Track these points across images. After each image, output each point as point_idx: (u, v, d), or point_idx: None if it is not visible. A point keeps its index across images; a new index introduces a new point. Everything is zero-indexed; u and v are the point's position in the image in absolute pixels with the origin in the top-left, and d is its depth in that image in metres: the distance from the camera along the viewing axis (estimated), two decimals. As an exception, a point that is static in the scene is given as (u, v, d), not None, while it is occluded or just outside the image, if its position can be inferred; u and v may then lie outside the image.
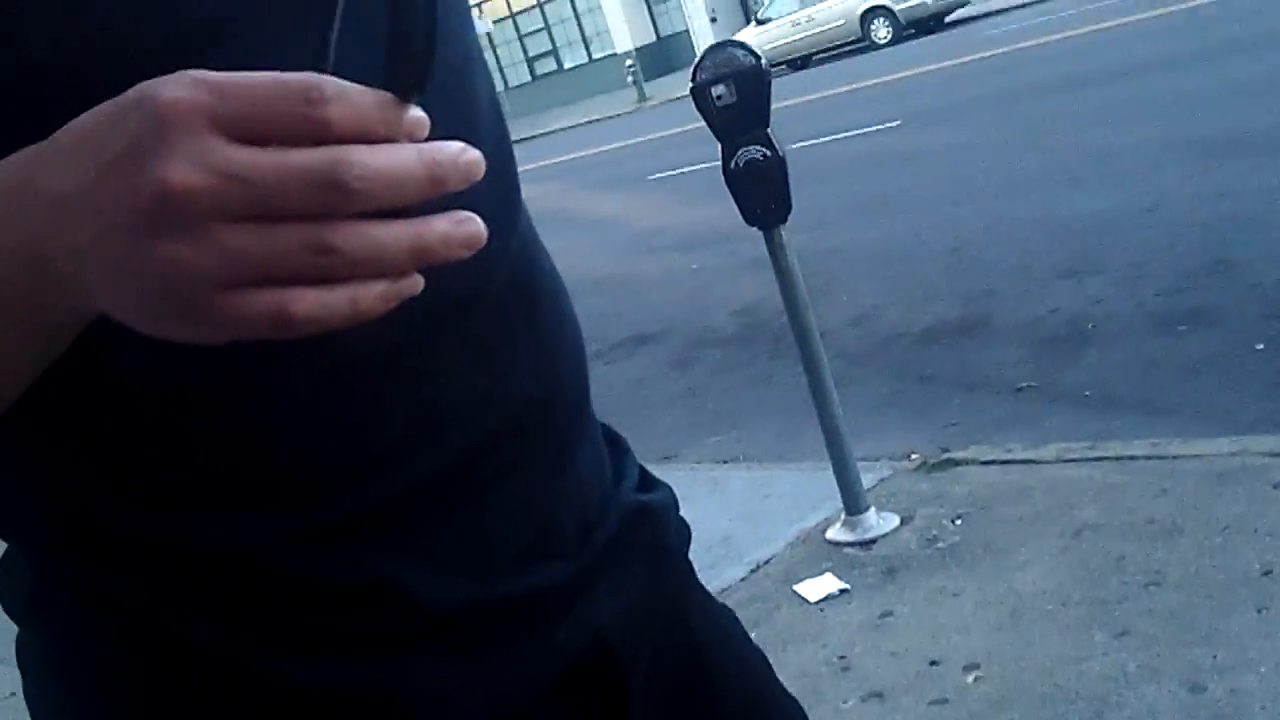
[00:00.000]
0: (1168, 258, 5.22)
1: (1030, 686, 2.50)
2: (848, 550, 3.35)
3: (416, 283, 0.48)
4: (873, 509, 3.44)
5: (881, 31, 20.55)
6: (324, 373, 0.65)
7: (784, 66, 20.82)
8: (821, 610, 3.08)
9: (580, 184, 14.19)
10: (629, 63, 25.30)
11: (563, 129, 23.79)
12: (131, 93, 0.47)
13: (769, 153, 3.25)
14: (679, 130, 14.67)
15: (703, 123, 3.26)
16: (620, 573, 0.79)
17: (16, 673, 0.74)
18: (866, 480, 3.55)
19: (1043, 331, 4.86)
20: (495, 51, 34.43)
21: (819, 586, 3.19)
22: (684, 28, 31.95)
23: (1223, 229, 5.35)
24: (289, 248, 0.45)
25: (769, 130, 3.25)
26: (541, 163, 16.88)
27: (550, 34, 34.46)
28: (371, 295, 0.47)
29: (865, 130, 10.74)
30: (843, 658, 2.83)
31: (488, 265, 0.70)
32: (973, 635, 2.75)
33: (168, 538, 0.66)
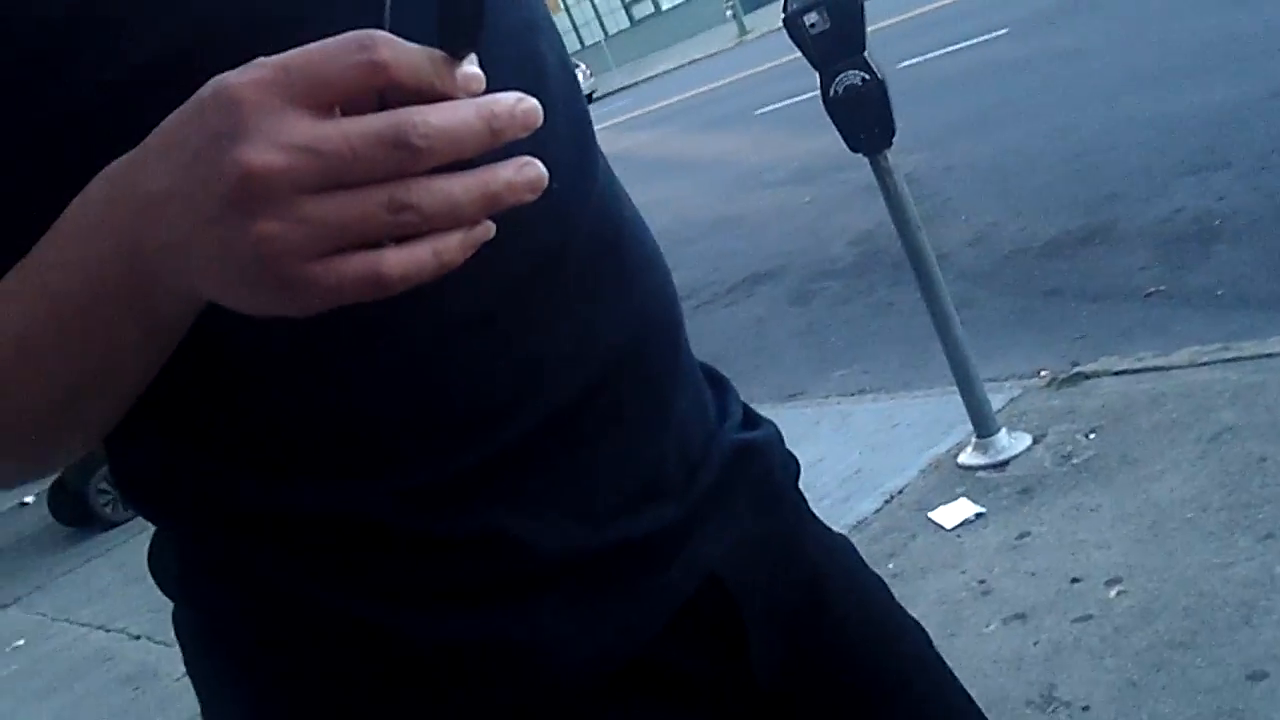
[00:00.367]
0: (1297, 144, 5.02)
1: (1174, 597, 2.46)
2: (981, 474, 3.32)
3: (489, 229, 0.51)
4: (1004, 430, 3.40)
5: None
6: (427, 336, 0.68)
7: (884, -15, 20.37)
8: (958, 536, 3.06)
9: (688, 126, 14.12)
10: (727, -2, 24.99)
11: (666, 71, 23.64)
12: (207, 87, 0.50)
13: (868, 76, 3.20)
14: (782, 61, 14.50)
15: (803, 52, 3.23)
16: (728, 510, 0.81)
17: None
18: (995, 401, 3.51)
19: (1168, 233, 4.72)
20: (593, 1, 34.27)
21: (954, 512, 3.17)
22: (779, -44, 31.42)
23: (1355, 108, 5.12)
24: (369, 210, 0.48)
25: (866, 54, 3.20)
26: (648, 108, 16.80)
27: (646, -23, 34.20)
28: (452, 245, 0.50)
29: (971, 42, 10.48)
30: (982, 582, 2.82)
31: (570, 217, 0.72)
32: (1113, 550, 2.71)
33: (293, 507, 0.69)
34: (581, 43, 37.71)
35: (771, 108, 11.92)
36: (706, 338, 5.47)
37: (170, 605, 0.79)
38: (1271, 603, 2.33)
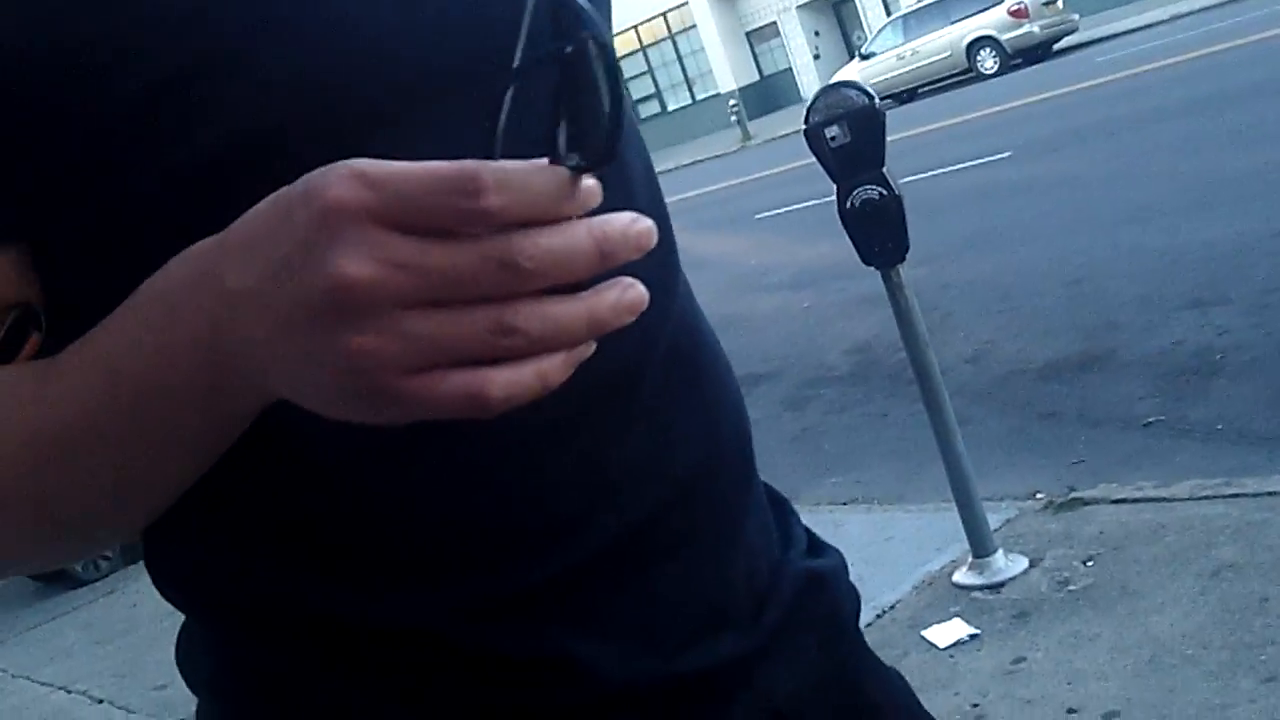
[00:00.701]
0: (1298, 285, 5.06)
1: (1174, 735, 2.42)
2: (976, 594, 3.28)
3: (590, 348, 0.49)
4: (1000, 550, 3.37)
5: (988, 62, 20.34)
6: (500, 443, 0.65)
7: (889, 100, 20.67)
8: (951, 657, 3.02)
9: (688, 225, 14.22)
10: (732, 103, 25.35)
11: (670, 170, 23.90)
12: (296, 186, 0.48)
13: (885, 192, 3.22)
14: (784, 169, 14.67)
15: (809, 160, 3.26)
16: (795, 645, 0.77)
17: None
18: (992, 521, 3.48)
19: (1169, 364, 4.73)
20: (599, 96, 34.67)
21: (948, 632, 3.12)
22: (787, 66, 32.03)
23: (1356, 254, 5.17)
24: (472, 331, 0.46)
25: (884, 169, 3.23)
26: (648, 204, 16.90)
27: (654, 77, 34.76)
28: (556, 366, 0.48)
29: (975, 162, 10.62)
30: (975, 705, 2.77)
31: (651, 332, 0.70)
32: (1111, 681, 2.67)
33: (345, 615, 0.66)
34: (585, 135, 37.89)
35: (772, 212, 12.03)
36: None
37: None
38: (1274, 748, 2.29)
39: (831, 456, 5.03)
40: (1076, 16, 20.95)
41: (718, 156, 23.60)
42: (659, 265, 0.72)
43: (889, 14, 23.15)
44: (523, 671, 0.67)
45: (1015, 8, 19.93)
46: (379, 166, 0.46)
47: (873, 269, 3.33)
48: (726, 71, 32.57)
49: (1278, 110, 8.69)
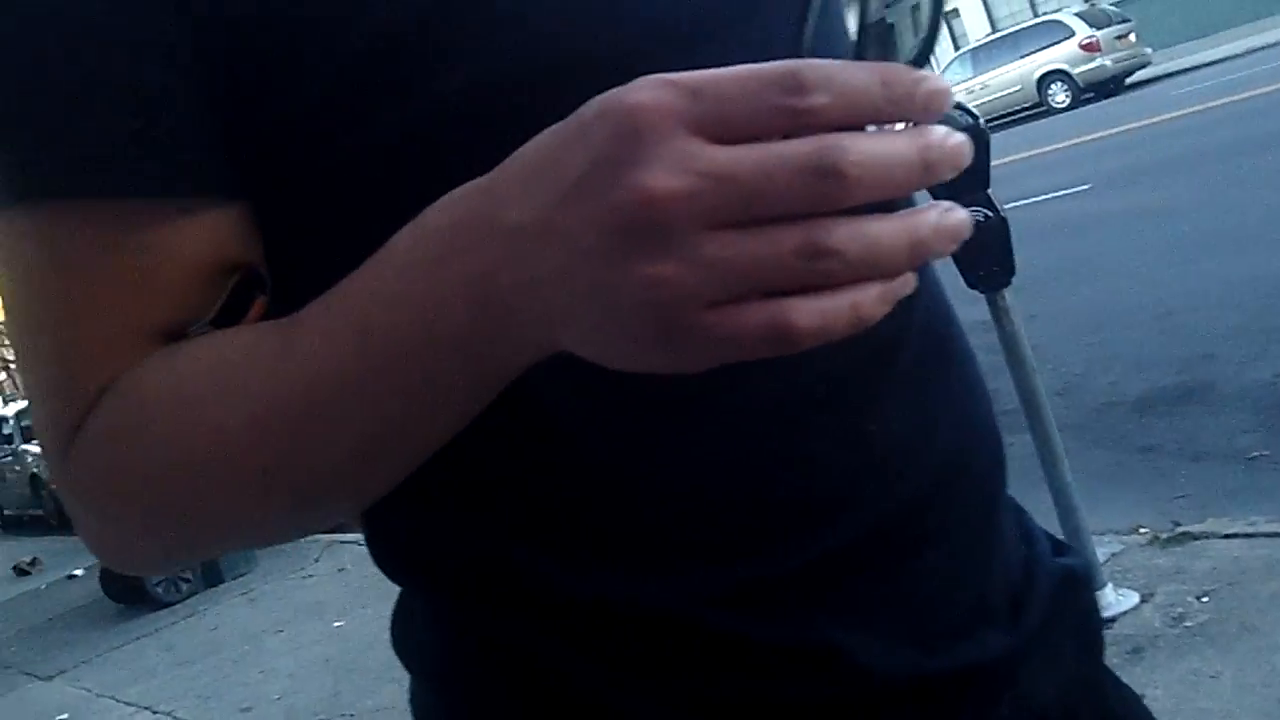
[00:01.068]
0: (1404, 319, 4.93)
1: (1311, 777, 2.34)
2: (1086, 628, 3.20)
3: (909, 281, 0.45)
4: (1110, 585, 3.28)
5: (1060, 96, 20.15)
6: (761, 414, 0.62)
7: (958, 134, 20.52)
8: (1064, 691, 2.94)
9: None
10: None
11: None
12: (589, 107, 0.45)
13: (990, 214, 3.17)
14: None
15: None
16: (1054, 647, 0.73)
17: None
18: (1098, 555, 3.40)
19: (1271, 397, 4.61)
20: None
21: (1059, 666, 3.05)
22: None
23: None
24: (781, 254, 0.42)
25: (989, 191, 3.18)
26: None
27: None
28: (871, 299, 0.43)
29: (1054, 195, 10.49)
30: (1094, 742, 2.69)
31: (911, 303, 0.67)
32: (1238, 721, 2.59)
33: (591, 596, 0.63)
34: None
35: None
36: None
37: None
38: None
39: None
40: (1149, 50, 20.73)
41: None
42: None
43: (957, 48, 23.03)
44: (784, 662, 0.64)
45: (1087, 41, 19.76)
46: (689, 74, 0.43)
47: (976, 293, 3.27)
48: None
49: (1368, 142, 8.52)
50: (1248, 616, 2.98)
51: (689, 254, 0.42)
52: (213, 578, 7.27)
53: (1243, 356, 5.14)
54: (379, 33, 0.55)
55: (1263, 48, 18.53)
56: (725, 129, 0.42)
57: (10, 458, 15.97)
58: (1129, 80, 20.18)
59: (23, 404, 17.90)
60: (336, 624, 5.79)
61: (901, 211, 0.44)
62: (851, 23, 0.45)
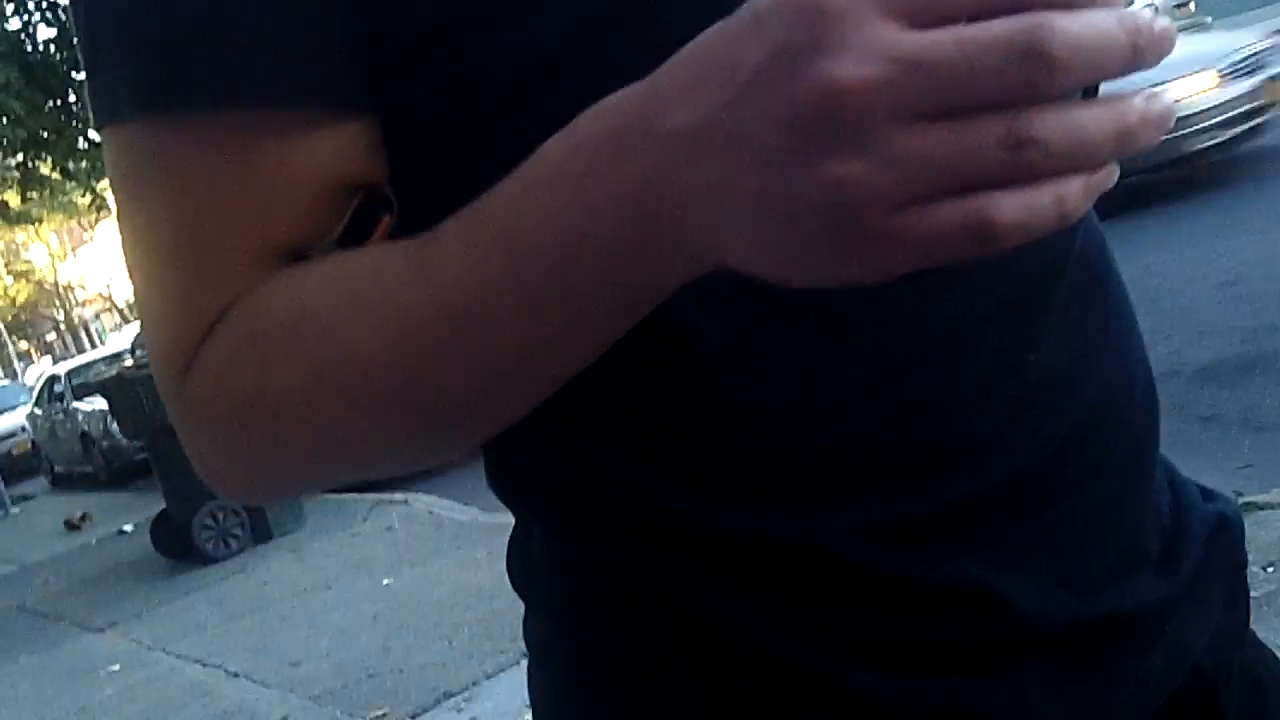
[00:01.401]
0: None
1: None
2: (1147, 596, 3.15)
3: (1113, 174, 0.41)
4: (1173, 553, 3.22)
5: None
6: (913, 342, 0.58)
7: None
8: (1125, 658, 2.89)
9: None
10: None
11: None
12: (763, 1, 0.41)
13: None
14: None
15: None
16: (1208, 596, 0.70)
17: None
18: (1161, 522, 3.34)
19: (1338, 369, 4.53)
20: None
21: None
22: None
23: None
24: (982, 145, 0.39)
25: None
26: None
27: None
28: (1076, 192, 0.40)
29: (1110, 164, 10.34)
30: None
31: (1070, 229, 0.63)
32: (1308, 691, 2.53)
33: (730, 528, 0.60)
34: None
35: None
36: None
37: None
38: None
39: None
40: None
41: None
42: None
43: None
44: (932, 602, 0.60)
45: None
46: None
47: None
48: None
49: None
50: (1317, 587, 2.92)
51: (881, 150, 0.39)
52: (261, 535, 7.33)
53: (1308, 327, 5.04)
54: None
55: (1326, 17, 18.14)
56: (921, 11, 0.39)
57: (61, 415, 16.17)
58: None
59: (74, 363, 18.15)
60: (385, 581, 5.82)
61: (1105, 98, 0.40)
62: None
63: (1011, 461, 0.61)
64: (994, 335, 0.60)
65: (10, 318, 43.44)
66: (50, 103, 10.20)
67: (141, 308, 0.59)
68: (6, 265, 41.93)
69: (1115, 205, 7.84)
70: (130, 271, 0.59)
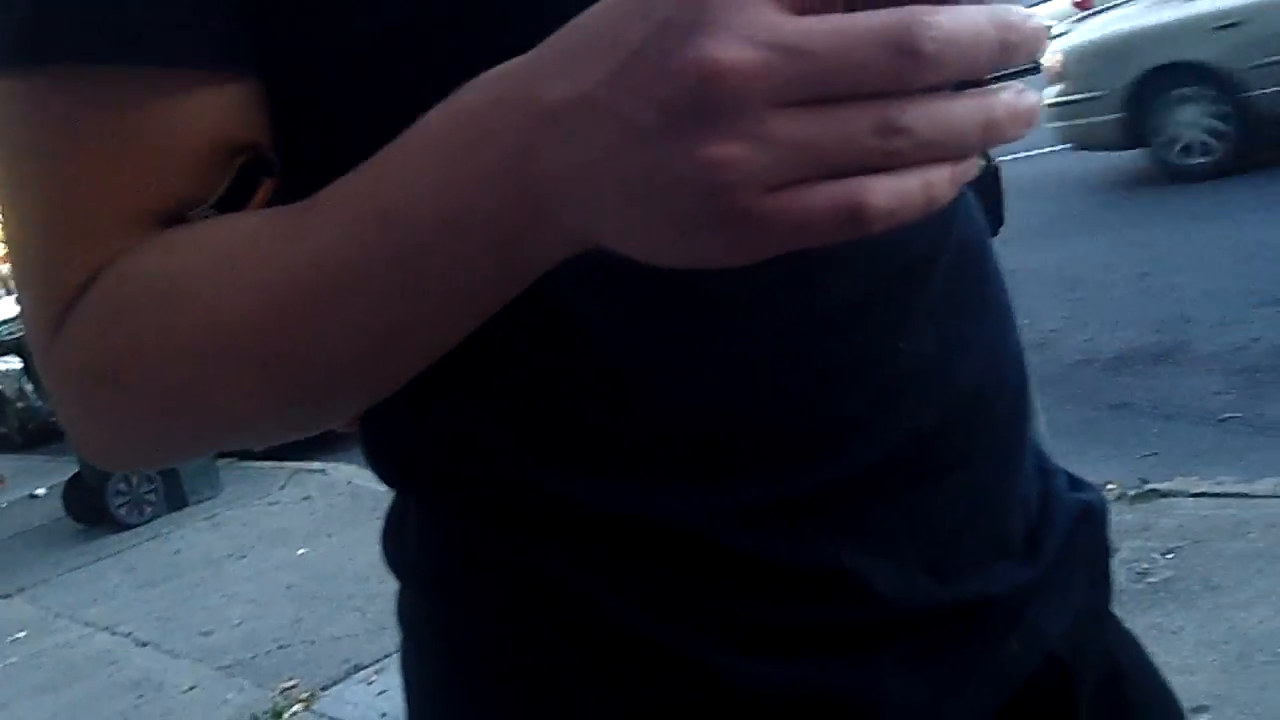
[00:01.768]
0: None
1: (1268, 734, 2.35)
2: (1050, 580, 3.21)
3: (974, 165, 0.42)
4: (1076, 538, 3.29)
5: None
6: (787, 326, 0.59)
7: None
8: (1025, 641, 2.95)
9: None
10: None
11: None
12: None
13: (984, 162, 3.13)
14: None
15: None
16: (1066, 579, 0.71)
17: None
18: (1066, 508, 3.40)
19: (1244, 361, 4.63)
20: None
21: (1021, 616, 3.06)
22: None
23: None
24: (854, 132, 0.39)
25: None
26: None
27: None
28: (943, 179, 0.41)
29: (1037, 152, 10.46)
30: (1052, 692, 2.70)
31: (947, 219, 0.65)
32: (1197, 676, 2.60)
33: (600, 507, 0.60)
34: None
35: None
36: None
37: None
38: (1377, 752, 2.21)
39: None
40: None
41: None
42: None
43: (948, 1, 22.82)
44: (798, 586, 0.61)
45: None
46: None
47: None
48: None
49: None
50: (1211, 574, 3.00)
51: (756, 133, 0.39)
52: (176, 501, 7.21)
53: (1218, 319, 5.14)
54: None
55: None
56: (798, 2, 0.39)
57: (-24, 375, 15.82)
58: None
59: (-9, 322, 17.72)
60: (300, 551, 5.77)
61: (973, 91, 0.41)
62: None
63: (879, 448, 0.61)
64: (865, 323, 0.61)
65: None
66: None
67: (15, 266, 0.58)
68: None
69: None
70: (4, 229, 0.58)
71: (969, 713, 0.65)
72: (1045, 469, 0.75)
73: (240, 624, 4.94)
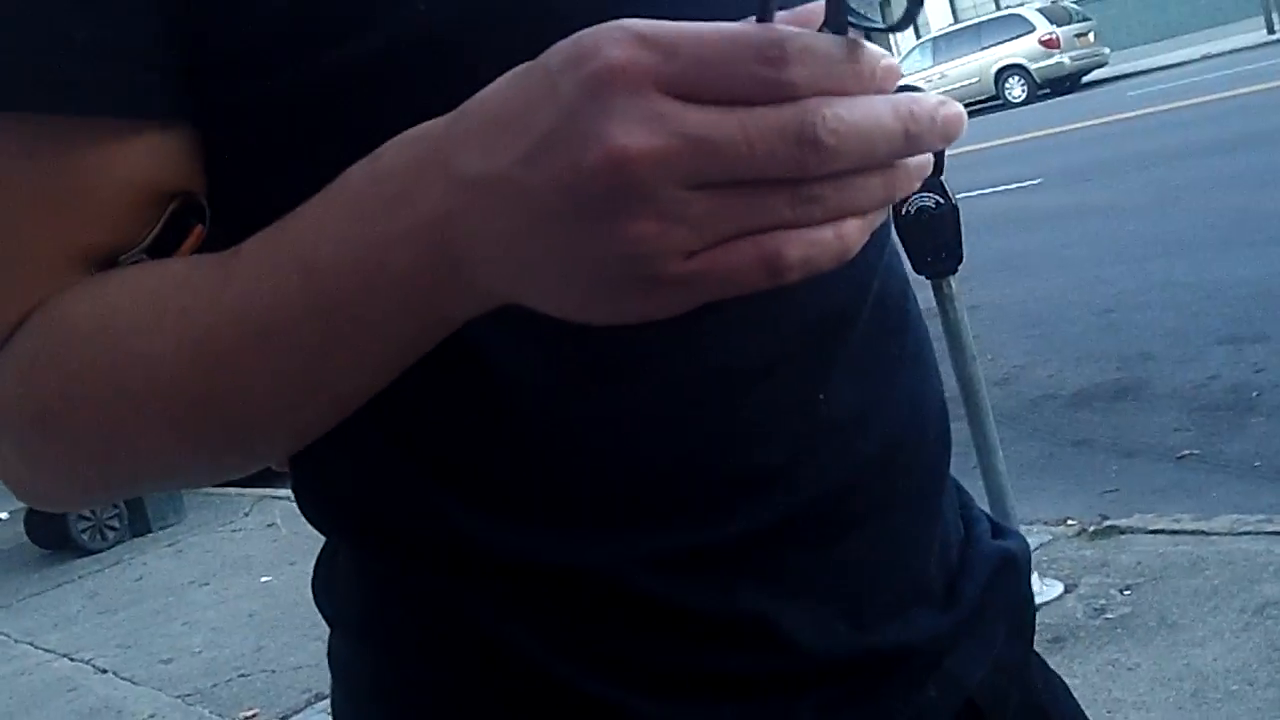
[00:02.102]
0: (1338, 328, 5.01)
1: (1219, 771, 2.37)
2: (1009, 615, 3.22)
3: (885, 213, 0.45)
4: (1035, 574, 3.31)
5: (1016, 90, 20.29)
6: (704, 381, 0.60)
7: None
8: (984, 677, 2.96)
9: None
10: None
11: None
12: (555, 54, 0.43)
13: (941, 201, 3.18)
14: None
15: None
16: (987, 631, 0.72)
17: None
18: (1026, 544, 3.43)
19: (1204, 399, 4.68)
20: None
21: (980, 652, 3.07)
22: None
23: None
24: (767, 206, 0.41)
25: (942, 178, 3.18)
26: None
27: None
28: (855, 229, 0.43)
29: (1004, 188, 10.57)
30: (1009, 728, 2.71)
31: (865, 273, 0.66)
32: (1152, 713, 2.62)
33: (520, 553, 0.61)
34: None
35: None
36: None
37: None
38: (1325, 790, 2.24)
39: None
40: (1107, 50, 20.91)
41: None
42: None
43: (919, 36, 23.08)
44: (713, 631, 0.62)
45: (1047, 37, 19.90)
46: (663, 28, 0.41)
47: (921, 279, 3.28)
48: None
49: (1314, 153, 8.63)
50: (1167, 611, 3.02)
51: (671, 211, 0.41)
52: (139, 527, 7.16)
53: (1178, 357, 5.20)
54: None
55: (1217, 55, 18.76)
56: (699, 92, 0.41)
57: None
58: (1085, 79, 20.37)
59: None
60: (263, 579, 5.73)
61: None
62: None
63: (798, 497, 0.62)
64: (784, 375, 0.62)
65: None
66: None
67: None
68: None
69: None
70: None
71: None
72: (968, 516, 0.77)
73: (201, 652, 4.90)
